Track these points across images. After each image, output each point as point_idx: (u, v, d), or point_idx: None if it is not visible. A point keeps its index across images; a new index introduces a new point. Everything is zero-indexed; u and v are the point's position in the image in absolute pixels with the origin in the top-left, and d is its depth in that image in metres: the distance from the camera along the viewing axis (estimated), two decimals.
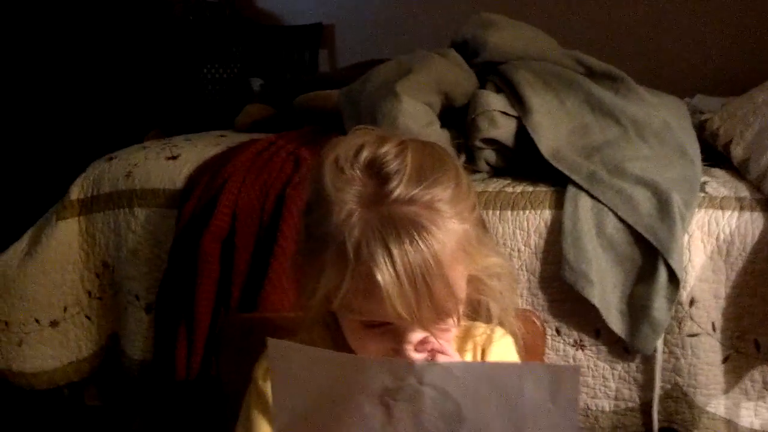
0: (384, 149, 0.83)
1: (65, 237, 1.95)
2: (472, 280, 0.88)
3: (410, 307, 0.78)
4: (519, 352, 1.01)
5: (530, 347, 1.16)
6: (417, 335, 0.83)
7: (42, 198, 2.24)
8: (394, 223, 0.78)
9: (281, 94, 2.46)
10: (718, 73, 2.88)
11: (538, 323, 1.22)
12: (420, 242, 0.78)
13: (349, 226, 0.79)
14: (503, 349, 0.99)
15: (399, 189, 0.80)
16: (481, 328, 0.98)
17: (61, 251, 1.94)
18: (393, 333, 0.83)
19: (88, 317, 1.96)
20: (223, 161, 1.85)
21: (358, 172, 0.82)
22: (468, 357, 0.98)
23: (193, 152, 1.98)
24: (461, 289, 0.84)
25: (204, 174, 1.84)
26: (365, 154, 0.83)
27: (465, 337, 0.99)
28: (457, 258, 0.82)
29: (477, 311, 0.96)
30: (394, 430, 0.74)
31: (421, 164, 0.83)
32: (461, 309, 0.87)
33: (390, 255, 0.77)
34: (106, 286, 1.95)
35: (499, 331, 0.98)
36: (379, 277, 0.76)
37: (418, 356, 0.83)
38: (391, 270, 0.76)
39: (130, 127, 3.31)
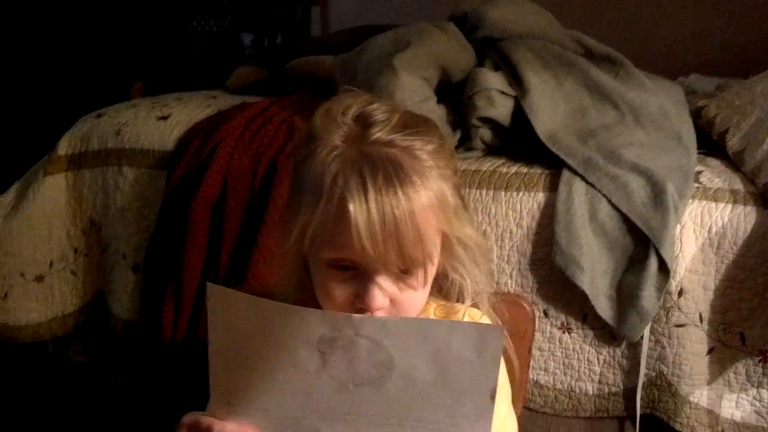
0: (374, 106, 0.88)
1: (52, 192, 1.94)
2: (446, 247, 0.90)
3: (376, 244, 0.80)
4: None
5: (519, 333, 1.18)
6: (382, 281, 0.84)
7: (28, 150, 2.21)
8: (373, 159, 0.82)
9: (273, 56, 2.43)
10: (713, 52, 2.87)
11: (527, 308, 1.22)
12: (395, 179, 0.81)
13: (330, 158, 0.83)
14: None
15: (380, 133, 0.84)
16: (461, 310, 1.00)
17: (48, 207, 1.93)
18: (358, 278, 0.85)
19: (73, 273, 1.96)
20: (214, 125, 1.83)
21: (347, 119, 0.86)
22: None
23: (184, 113, 1.96)
24: (431, 242, 0.85)
25: (195, 137, 1.81)
26: (355, 108, 0.88)
27: (446, 317, 1.00)
28: (432, 209, 0.84)
29: (449, 292, 0.98)
30: (327, 375, 0.78)
31: (407, 120, 0.88)
32: (430, 269, 0.88)
33: (364, 186, 0.80)
34: (93, 243, 1.94)
35: (479, 313, 1.00)
36: (350, 207, 0.79)
37: (379, 303, 0.85)
38: (363, 200, 0.79)
39: (116, 77, 3.26)
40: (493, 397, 0.77)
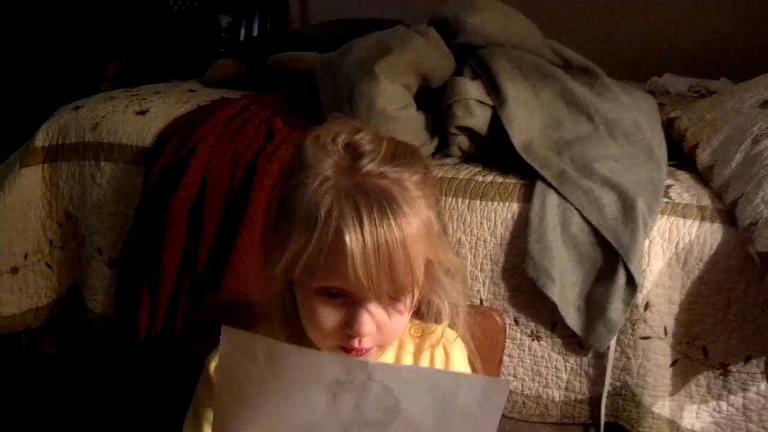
0: (360, 135, 0.90)
1: (28, 184, 1.93)
2: (428, 271, 0.93)
3: (369, 274, 0.82)
4: (469, 355, 1.07)
5: (491, 344, 1.21)
6: (372, 308, 0.87)
7: (5, 139, 2.20)
8: (367, 191, 0.84)
9: (253, 49, 2.42)
10: (686, 52, 2.91)
11: (499, 320, 1.25)
12: (389, 211, 0.83)
13: (323, 189, 0.84)
14: (461, 353, 1.05)
15: (371, 164, 0.86)
16: (438, 330, 1.03)
17: (24, 198, 1.92)
18: (348, 305, 0.87)
19: (48, 265, 1.96)
20: (193, 122, 1.83)
21: (336, 147, 0.88)
22: (425, 356, 1.03)
23: (163, 108, 1.96)
24: (419, 269, 0.89)
25: (174, 134, 1.82)
26: (344, 137, 0.90)
27: (423, 337, 1.04)
28: (420, 237, 0.87)
29: (427, 313, 1.02)
30: (335, 416, 0.80)
31: (394, 151, 0.90)
32: (416, 294, 0.92)
33: (359, 218, 0.82)
34: (68, 236, 1.94)
35: (453, 334, 1.04)
36: (346, 238, 0.81)
37: (369, 329, 0.87)
38: (359, 232, 0.81)
39: (93, 56, 3.23)
40: None
